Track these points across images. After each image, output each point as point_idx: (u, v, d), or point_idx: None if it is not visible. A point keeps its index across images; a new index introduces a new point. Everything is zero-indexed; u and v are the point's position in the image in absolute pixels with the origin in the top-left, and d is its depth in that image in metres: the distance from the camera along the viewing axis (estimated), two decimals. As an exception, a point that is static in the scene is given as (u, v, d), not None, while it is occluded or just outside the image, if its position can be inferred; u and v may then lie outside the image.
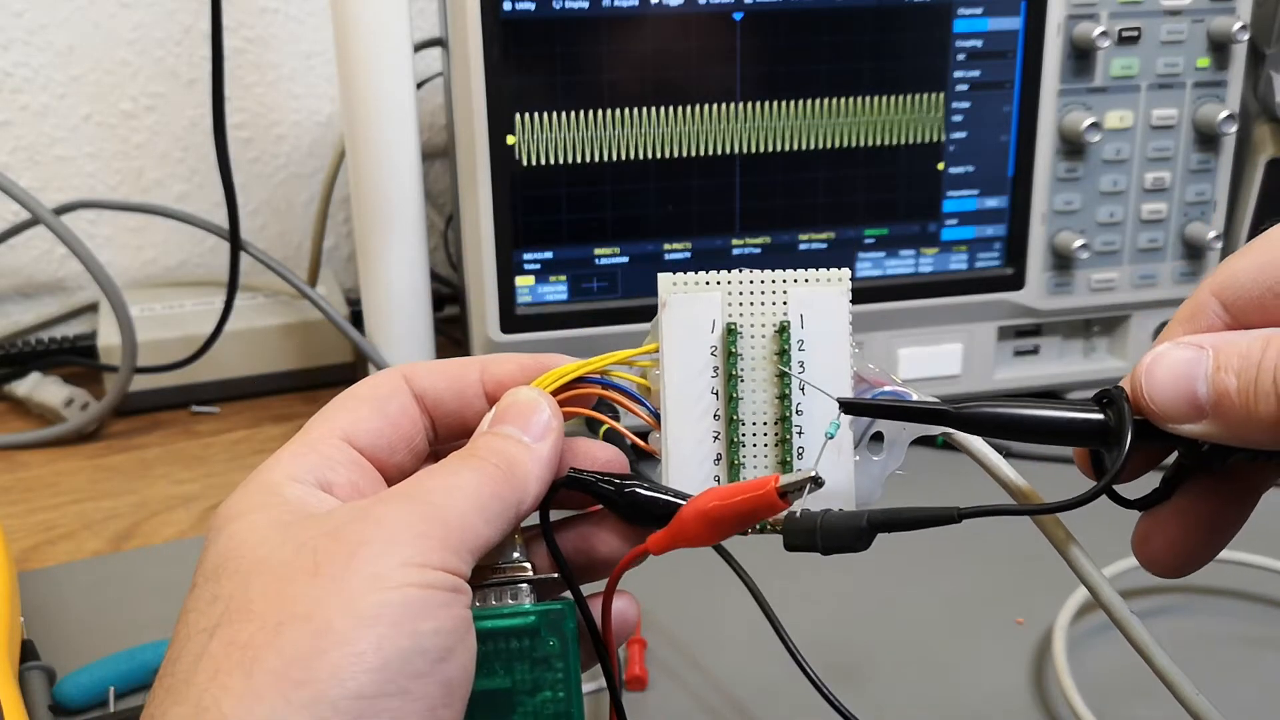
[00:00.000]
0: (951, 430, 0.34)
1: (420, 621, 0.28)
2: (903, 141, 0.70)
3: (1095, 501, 0.30)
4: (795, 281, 0.35)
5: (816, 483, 0.31)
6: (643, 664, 0.52)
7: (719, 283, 0.35)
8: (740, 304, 0.35)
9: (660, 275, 0.35)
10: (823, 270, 0.35)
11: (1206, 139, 0.73)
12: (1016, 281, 0.73)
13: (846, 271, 0.35)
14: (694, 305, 0.35)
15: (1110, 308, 0.76)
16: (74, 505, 0.70)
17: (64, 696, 0.50)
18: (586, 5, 0.64)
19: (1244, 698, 0.51)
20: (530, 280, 0.68)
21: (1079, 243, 0.72)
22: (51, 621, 0.57)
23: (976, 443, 0.35)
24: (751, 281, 0.35)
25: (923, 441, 0.72)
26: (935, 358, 0.74)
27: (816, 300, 0.35)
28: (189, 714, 0.26)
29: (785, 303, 0.35)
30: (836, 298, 0.35)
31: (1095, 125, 0.70)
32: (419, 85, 0.72)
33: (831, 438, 0.34)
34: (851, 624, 0.56)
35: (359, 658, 0.27)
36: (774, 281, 0.35)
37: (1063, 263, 0.74)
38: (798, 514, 0.33)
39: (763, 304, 0.35)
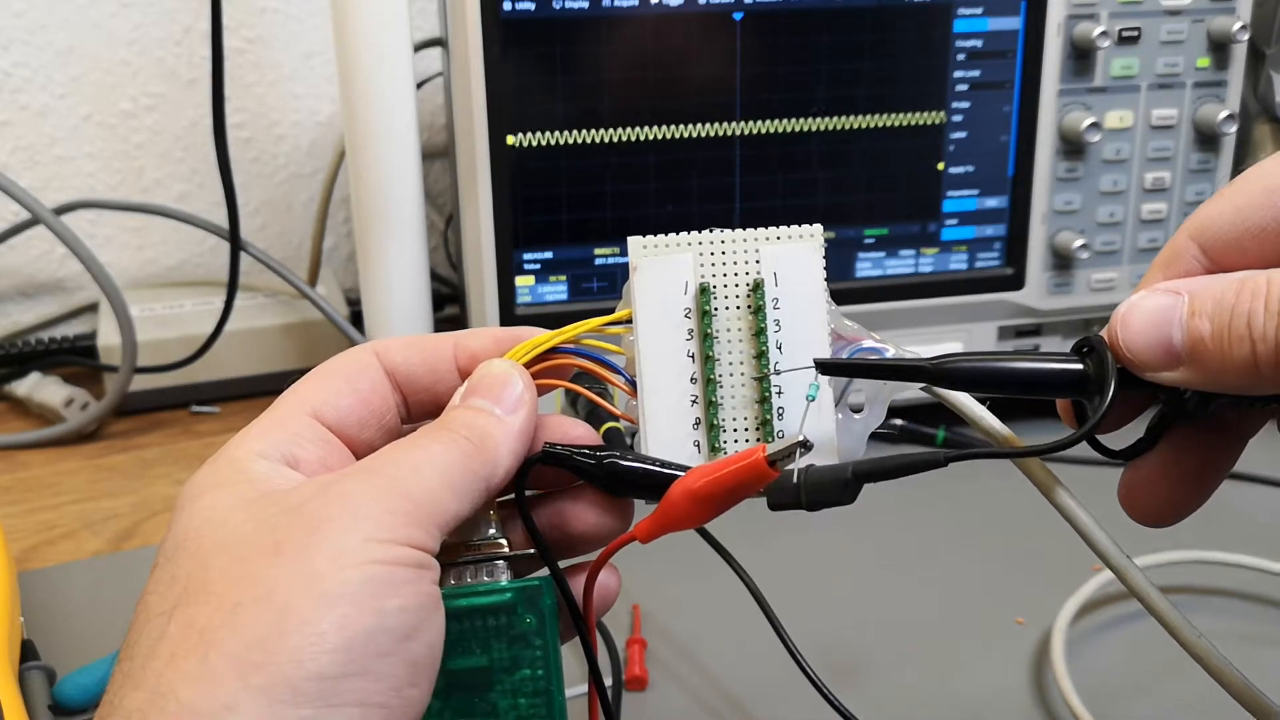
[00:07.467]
0: (932, 386, 0.33)
1: (384, 599, 0.27)
2: (903, 142, 0.70)
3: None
4: (768, 239, 0.35)
5: (805, 446, 0.31)
6: (643, 664, 0.52)
7: (689, 244, 0.35)
8: (713, 264, 0.35)
9: (630, 239, 0.35)
10: (794, 227, 0.35)
11: (1206, 139, 0.73)
12: (1016, 281, 0.73)
13: (819, 227, 0.35)
14: (665, 267, 0.34)
15: (1110, 308, 0.75)
16: (74, 505, 0.70)
17: (64, 696, 0.50)
18: (586, 5, 0.64)
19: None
20: (530, 280, 0.68)
21: (1079, 243, 0.72)
22: (51, 621, 0.57)
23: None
24: (723, 241, 0.35)
25: (922, 440, 0.72)
26: (935, 358, 0.74)
27: (789, 257, 0.34)
28: (145, 699, 0.26)
29: (758, 261, 0.34)
30: (809, 254, 0.34)
31: (1095, 125, 0.70)
32: (419, 85, 0.72)
33: (813, 400, 0.34)
34: (851, 624, 0.56)
35: (320, 638, 0.26)
36: (745, 240, 0.35)
37: (1063, 263, 0.73)
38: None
39: (735, 263, 0.35)
